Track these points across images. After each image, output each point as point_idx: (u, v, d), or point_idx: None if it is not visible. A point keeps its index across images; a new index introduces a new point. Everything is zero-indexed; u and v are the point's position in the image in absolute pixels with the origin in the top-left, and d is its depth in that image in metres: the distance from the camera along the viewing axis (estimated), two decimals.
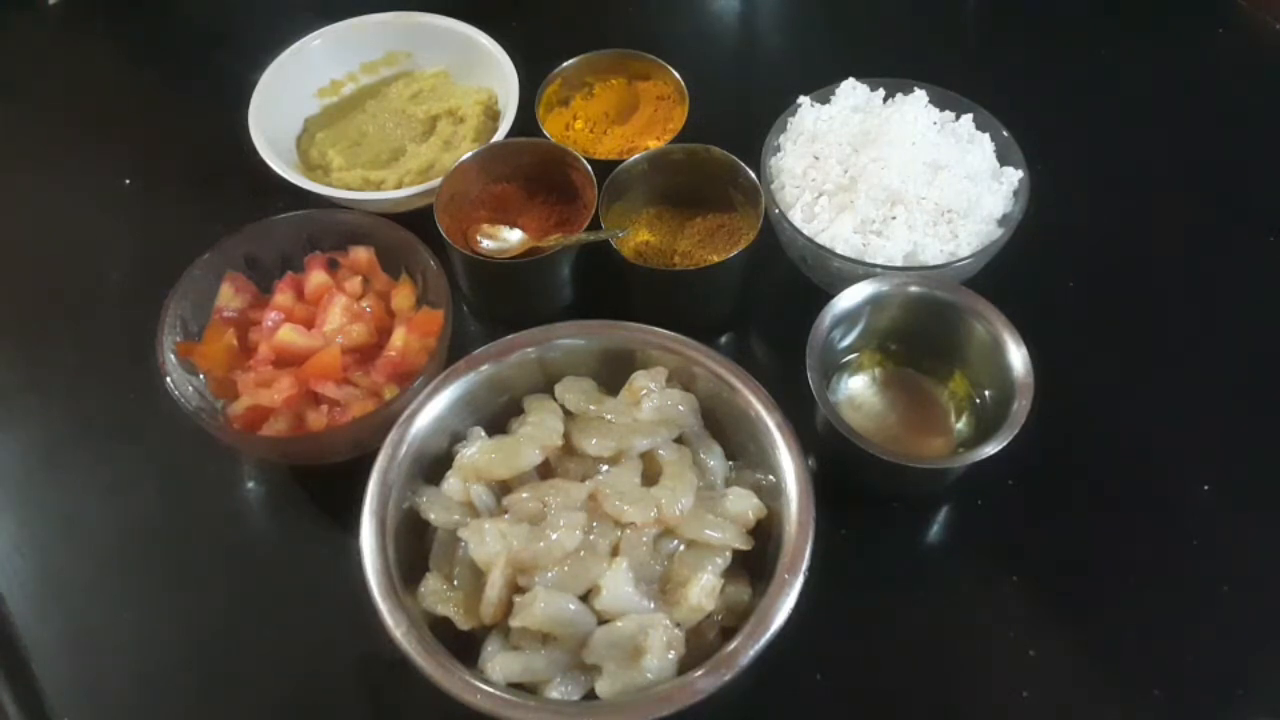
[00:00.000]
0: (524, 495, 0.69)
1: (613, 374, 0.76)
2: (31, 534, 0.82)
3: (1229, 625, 0.76)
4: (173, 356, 0.79)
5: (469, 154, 0.90)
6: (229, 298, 0.83)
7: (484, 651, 0.66)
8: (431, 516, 0.70)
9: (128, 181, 1.02)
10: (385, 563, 0.66)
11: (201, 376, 0.81)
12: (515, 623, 0.65)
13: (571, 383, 0.75)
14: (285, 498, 0.83)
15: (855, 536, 0.78)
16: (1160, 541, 0.79)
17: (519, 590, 0.66)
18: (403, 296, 0.85)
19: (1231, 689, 0.73)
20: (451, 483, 0.71)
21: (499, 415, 0.76)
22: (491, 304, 0.93)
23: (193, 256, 0.82)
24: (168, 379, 0.77)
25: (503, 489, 0.71)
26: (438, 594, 0.68)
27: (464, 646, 0.66)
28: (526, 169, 0.92)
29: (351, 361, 0.81)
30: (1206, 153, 1.02)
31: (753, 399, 0.72)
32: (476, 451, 0.71)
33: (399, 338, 0.81)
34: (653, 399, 0.73)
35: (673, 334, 0.75)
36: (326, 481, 0.81)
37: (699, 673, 0.62)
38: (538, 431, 0.72)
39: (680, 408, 0.74)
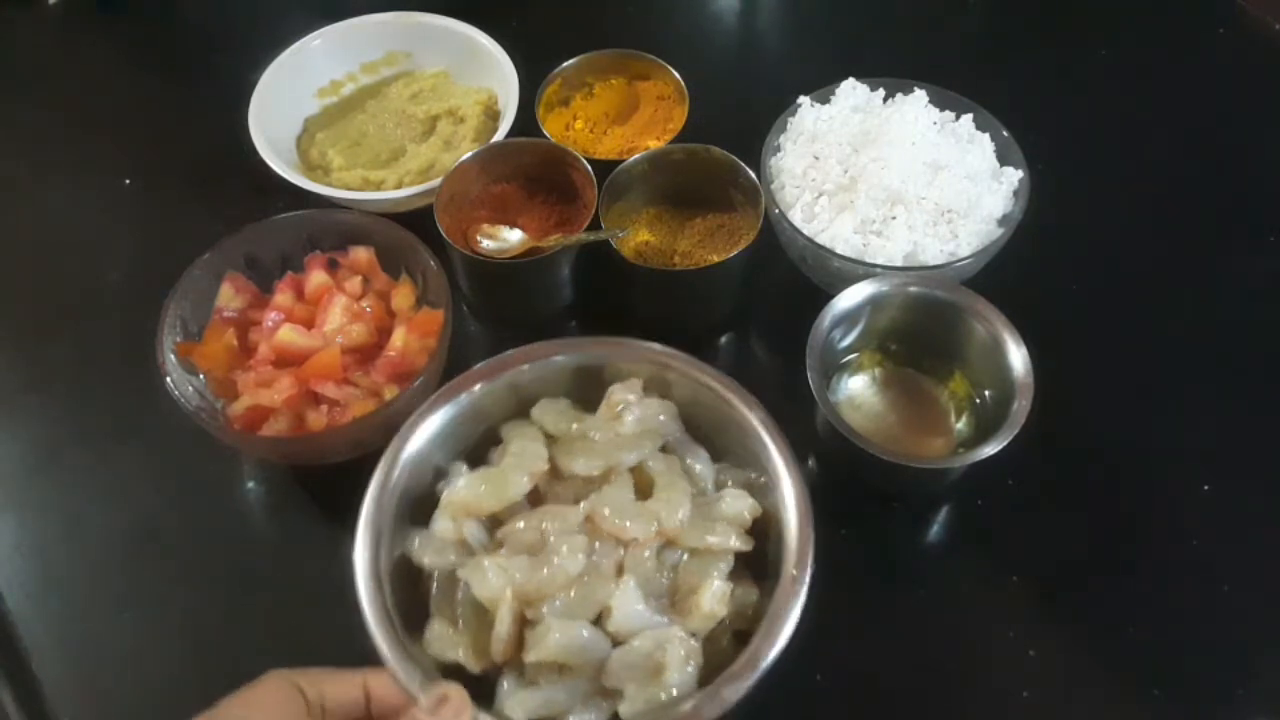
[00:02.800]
0: (519, 525, 0.66)
1: (584, 389, 0.73)
2: (31, 534, 0.82)
3: (1229, 625, 0.76)
4: (173, 356, 0.79)
5: (469, 154, 0.90)
6: (229, 298, 0.83)
7: (500, 691, 0.63)
8: (425, 561, 0.67)
9: (128, 181, 1.02)
10: (386, 616, 0.63)
11: (201, 376, 0.81)
12: (530, 658, 0.62)
13: (547, 405, 0.72)
14: (285, 498, 0.83)
15: (855, 536, 0.78)
16: (1160, 541, 0.79)
17: (527, 623, 0.63)
18: (403, 296, 0.85)
19: (1231, 689, 0.73)
20: (441, 523, 0.67)
21: (478, 447, 0.72)
22: (491, 304, 0.93)
23: (193, 256, 0.82)
24: (168, 379, 0.77)
25: (493, 522, 0.68)
26: (444, 639, 0.65)
27: (478, 690, 0.62)
28: (526, 169, 0.92)
29: (351, 361, 0.81)
30: (1207, 153, 1.02)
31: (732, 397, 0.69)
32: (463, 486, 0.68)
33: (399, 338, 0.81)
34: (633, 411, 0.70)
35: (641, 341, 0.72)
36: (326, 482, 0.81)
37: (723, 682, 0.60)
38: (522, 458, 0.69)
39: (661, 417, 0.71)
